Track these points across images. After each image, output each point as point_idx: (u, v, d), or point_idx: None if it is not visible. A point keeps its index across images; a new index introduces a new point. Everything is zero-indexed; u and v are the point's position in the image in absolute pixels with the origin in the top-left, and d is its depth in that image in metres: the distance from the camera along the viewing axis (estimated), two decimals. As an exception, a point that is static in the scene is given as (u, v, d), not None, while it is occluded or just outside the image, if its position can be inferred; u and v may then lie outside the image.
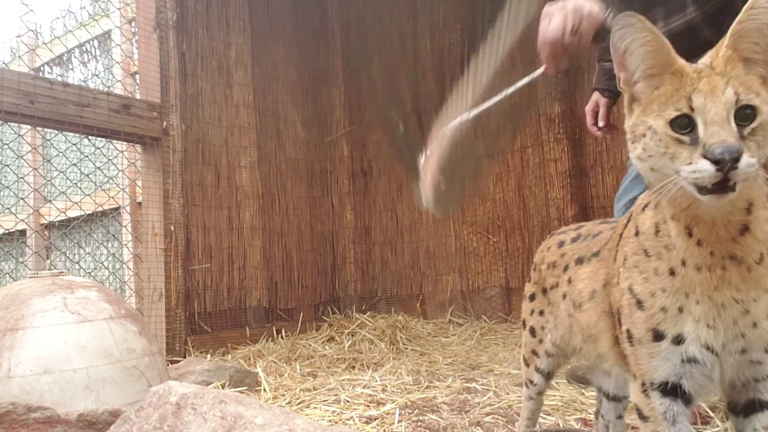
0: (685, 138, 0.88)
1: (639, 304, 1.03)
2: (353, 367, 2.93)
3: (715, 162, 0.83)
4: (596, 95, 2.13)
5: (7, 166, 4.02)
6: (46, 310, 1.78)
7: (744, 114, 0.88)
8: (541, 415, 1.82)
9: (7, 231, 4.79)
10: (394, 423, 1.78)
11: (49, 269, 2.35)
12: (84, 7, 4.28)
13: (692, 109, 0.88)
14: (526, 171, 3.87)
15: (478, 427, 1.72)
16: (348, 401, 2.10)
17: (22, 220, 3.89)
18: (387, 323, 3.74)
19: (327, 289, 4.49)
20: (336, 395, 2.21)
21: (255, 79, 4.11)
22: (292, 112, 4.39)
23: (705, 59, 0.95)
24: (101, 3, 4.19)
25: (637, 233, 1.06)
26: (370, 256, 4.58)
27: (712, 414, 1.71)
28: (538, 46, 1.71)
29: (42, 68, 4.59)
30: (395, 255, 4.47)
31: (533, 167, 3.83)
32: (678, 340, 0.99)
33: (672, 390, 1.02)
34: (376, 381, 2.45)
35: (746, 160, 0.84)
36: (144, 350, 1.91)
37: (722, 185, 0.85)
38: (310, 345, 3.46)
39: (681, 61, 0.95)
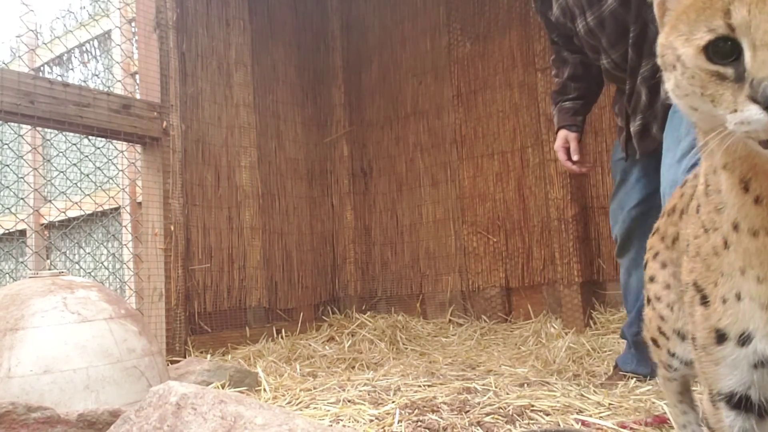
0: (728, 71, 0.62)
1: (703, 299, 0.79)
2: (353, 367, 2.93)
3: None
4: (563, 132, 2.28)
5: (7, 166, 4.02)
6: (46, 310, 1.78)
7: None
8: (541, 414, 1.82)
9: (7, 231, 4.79)
10: (394, 423, 1.78)
11: (49, 269, 2.35)
12: (84, 7, 4.28)
13: (732, 28, 0.60)
14: (526, 171, 3.87)
15: (478, 427, 1.72)
16: (348, 401, 2.10)
17: (22, 220, 3.89)
18: (387, 323, 3.74)
19: (327, 289, 4.49)
20: (336, 395, 2.21)
21: (255, 79, 4.11)
22: (292, 112, 4.39)
23: None
24: (101, 3, 4.19)
25: (698, 209, 0.82)
26: (370, 256, 4.58)
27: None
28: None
29: (42, 68, 4.59)
30: (395, 255, 4.47)
31: (533, 167, 3.82)
32: (744, 340, 0.74)
33: (740, 402, 0.79)
34: (376, 381, 2.45)
35: None
36: (144, 350, 1.91)
37: None
38: (310, 345, 3.46)
39: None
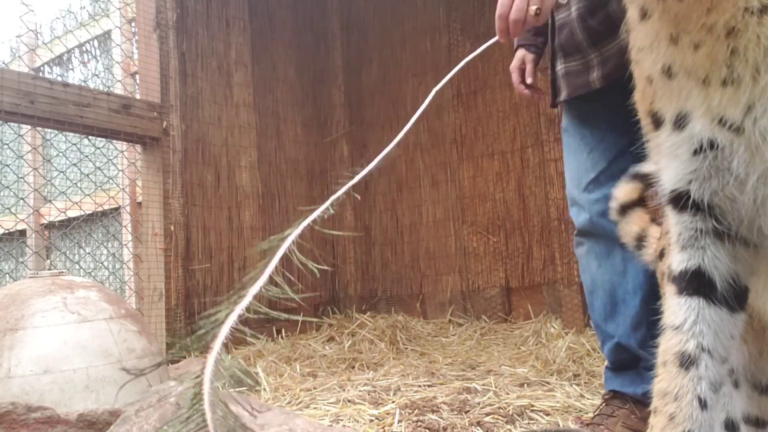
0: None
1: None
2: (353, 367, 2.93)
3: None
4: (521, 52, 2.01)
5: (7, 166, 4.02)
6: (46, 310, 1.78)
7: None
8: (540, 414, 1.82)
9: (7, 231, 4.79)
10: (394, 423, 1.78)
11: (49, 269, 2.35)
12: (84, 7, 4.28)
13: None
14: (526, 171, 3.87)
15: (478, 427, 1.72)
16: (348, 401, 2.10)
17: (22, 220, 3.88)
18: (387, 323, 3.74)
19: (327, 289, 4.49)
20: (336, 395, 2.21)
21: (255, 79, 4.11)
22: (292, 112, 4.39)
23: None
24: (101, 3, 4.18)
25: None
26: (370, 256, 4.58)
27: None
28: (496, 17, 1.70)
29: (42, 68, 4.59)
30: (395, 255, 4.47)
31: (533, 167, 3.82)
32: (681, 122, 0.60)
33: (686, 203, 0.66)
34: (376, 381, 2.45)
35: None
36: (144, 350, 1.91)
37: None
38: (310, 345, 3.46)
39: None
